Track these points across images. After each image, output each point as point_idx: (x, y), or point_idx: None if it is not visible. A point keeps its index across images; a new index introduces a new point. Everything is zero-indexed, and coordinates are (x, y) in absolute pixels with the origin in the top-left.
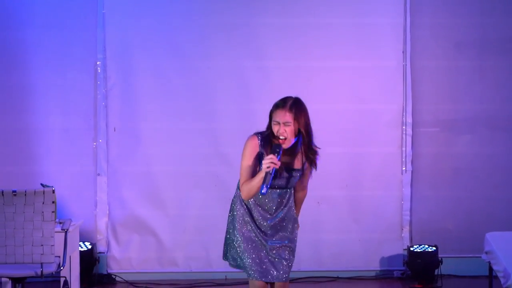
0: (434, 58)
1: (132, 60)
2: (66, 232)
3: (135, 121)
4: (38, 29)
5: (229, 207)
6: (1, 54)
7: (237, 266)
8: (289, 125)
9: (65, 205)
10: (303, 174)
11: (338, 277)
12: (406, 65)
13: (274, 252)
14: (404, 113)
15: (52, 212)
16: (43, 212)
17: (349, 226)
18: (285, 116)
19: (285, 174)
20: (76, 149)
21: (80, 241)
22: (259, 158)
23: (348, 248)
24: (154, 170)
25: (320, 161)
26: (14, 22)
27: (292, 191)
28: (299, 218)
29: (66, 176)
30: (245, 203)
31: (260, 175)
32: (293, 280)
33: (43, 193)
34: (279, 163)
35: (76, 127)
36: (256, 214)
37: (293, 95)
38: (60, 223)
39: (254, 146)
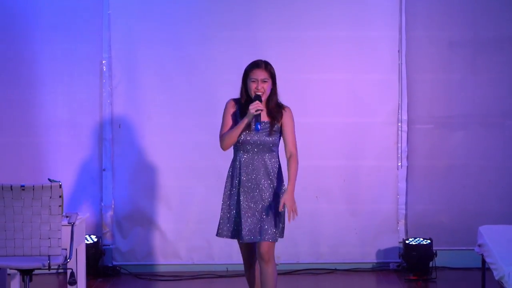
0: (428, 57)
1: (137, 59)
2: (72, 226)
3: (139, 118)
4: (46, 30)
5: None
6: (10, 54)
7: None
8: (266, 82)
9: (72, 199)
10: (284, 132)
11: (336, 269)
12: (401, 64)
13: (251, 212)
14: (399, 111)
15: (59, 206)
16: (50, 206)
17: (347, 220)
18: (262, 73)
19: (261, 127)
20: (82, 145)
21: (86, 234)
22: (235, 119)
23: (345, 241)
24: (157, 165)
25: (319, 156)
26: (22, 24)
27: (276, 157)
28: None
29: (72, 171)
30: (232, 168)
31: (243, 123)
32: (291, 273)
33: (51, 188)
34: (263, 107)
35: (82, 124)
36: (242, 175)
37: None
38: (67, 216)
39: (231, 106)
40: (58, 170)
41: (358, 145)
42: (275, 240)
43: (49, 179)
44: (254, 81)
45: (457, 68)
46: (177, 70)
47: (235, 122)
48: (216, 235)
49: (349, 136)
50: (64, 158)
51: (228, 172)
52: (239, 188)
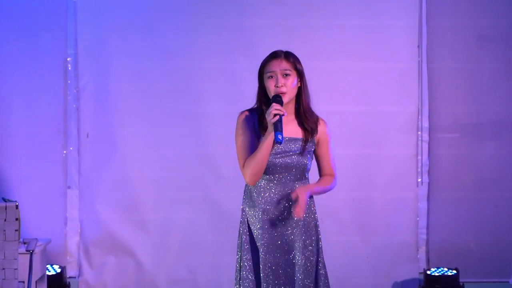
0: (453, 54)
1: (108, 56)
2: (31, 254)
3: (111, 126)
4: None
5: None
6: None
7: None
8: (288, 75)
9: (31, 222)
10: (319, 154)
11: None
12: (422, 61)
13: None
14: (419, 117)
15: (16, 230)
16: (5, 230)
17: (357, 247)
18: (281, 64)
19: (291, 148)
20: (43, 158)
21: (47, 264)
22: (256, 133)
23: (355, 272)
24: (133, 182)
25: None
26: None
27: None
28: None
29: (31, 189)
30: (251, 207)
31: (266, 140)
32: None
33: (5, 208)
34: (284, 110)
35: (43, 133)
36: (263, 218)
37: None
38: (25, 243)
39: (246, 119)
40: (14, 188)
41: (371, 157)
42: None
43: (3, 199)
44: (271, 76)
45: (487, 67)
46: (157, 69)
47: (259, 140)
48: None
49: (361, 147)
50: (21, 173)
51: (244, 210)
52: (261, 232)
